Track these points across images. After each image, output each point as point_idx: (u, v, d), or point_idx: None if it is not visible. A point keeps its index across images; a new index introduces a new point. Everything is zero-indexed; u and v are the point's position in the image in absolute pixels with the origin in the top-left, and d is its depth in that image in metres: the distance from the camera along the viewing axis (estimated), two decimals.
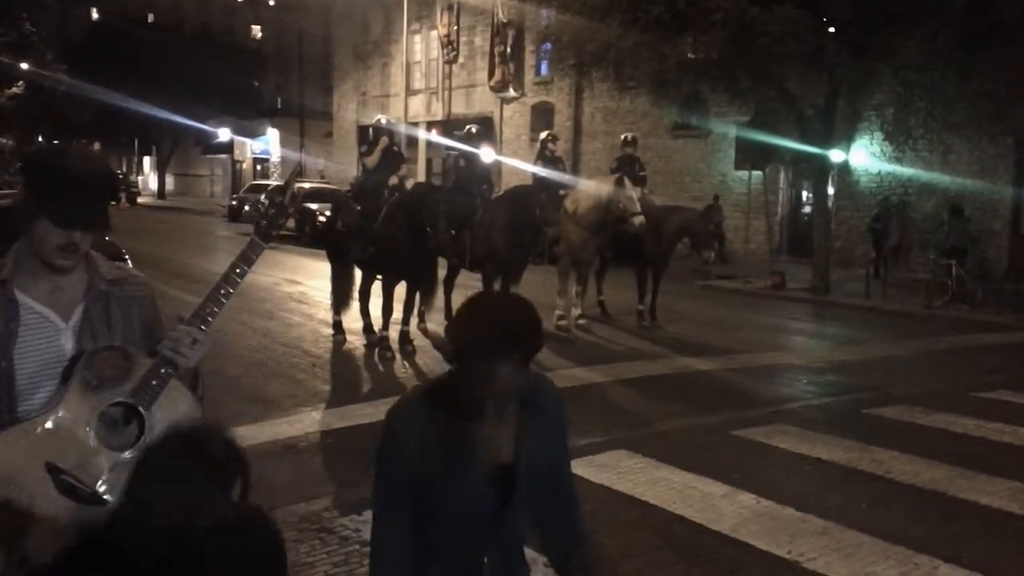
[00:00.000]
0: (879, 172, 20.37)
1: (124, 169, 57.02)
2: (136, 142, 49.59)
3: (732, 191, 22.78)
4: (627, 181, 11.36)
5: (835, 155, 17.42)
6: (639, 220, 10.99)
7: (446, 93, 34.28)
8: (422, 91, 36.01)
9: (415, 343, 10.07)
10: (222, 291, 2.22)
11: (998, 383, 9.22)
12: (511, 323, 2.01)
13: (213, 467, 1.53)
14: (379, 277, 10.19)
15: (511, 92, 30.88)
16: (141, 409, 2.07)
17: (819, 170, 17.35)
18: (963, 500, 5.71)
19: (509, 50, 30.62)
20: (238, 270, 2.26)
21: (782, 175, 22.28)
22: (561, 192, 11.92)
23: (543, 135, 13.11)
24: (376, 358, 9.70)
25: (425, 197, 9.63)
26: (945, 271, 15.51)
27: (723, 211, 21.31)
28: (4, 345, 2.03)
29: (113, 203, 2.25)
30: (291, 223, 2.53)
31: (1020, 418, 7.71)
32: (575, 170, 24.43)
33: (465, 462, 2.05)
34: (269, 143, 45.22)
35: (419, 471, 2.03)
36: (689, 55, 15.71)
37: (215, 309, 2.21)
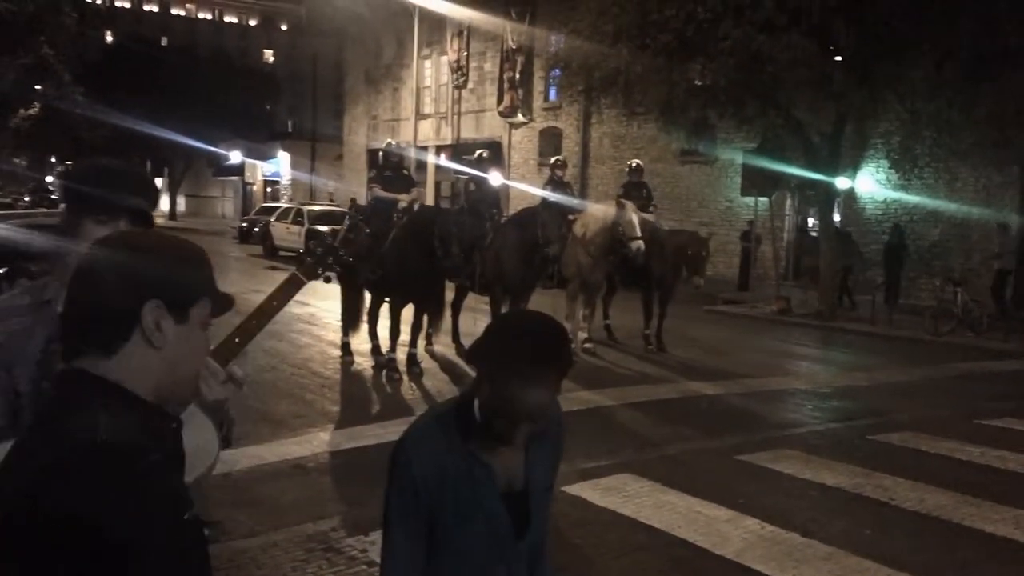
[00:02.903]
0: (885, 199, 20.44)
1: None
2: (149, 163, 49.99)
3: (738, 217, 22.86)
4: (628, 204, 11.43)
5: (841, 182, 17.51)
6: (636, 244, 11.03)
7: (455, 118, 34.53)
8: (432, 115, 36.27)
9: (423, 365, 10.12)
10: (254, 321, 2.18)
11: (1004, 410, 9.22)
12: (551, 343, 1.91)
13: None
14: (388, 299, 10.27)
15: (520, 117, 31.10)
16: None
17: (825, 196, 17.43)
18: (968, 527, 5.72)
19: (518, 76, 30.86)
20: (274, 302, 2.23)
21: (788, 201, 22.36)
22: (570, 216, 12.00)
23: (552, 160, 13.22)
24: (384, 380, 9.76)
25: (435, 219, 9.72)
26: (951, 298, 15.62)
27: (759, 238, 21.50)
28: (48, 365, 2.01)
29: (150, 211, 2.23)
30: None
31: None
32: (583, 195, 24.56)
33: (482, 491, 1.96)
34: (280, 165, 45.54)
35: (434, 502, 1.95)
36: (697, 82, 15.85)
37: (245, 340, 2.17)
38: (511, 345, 1.91)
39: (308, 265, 2.40)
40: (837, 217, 19.14)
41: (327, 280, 2.57)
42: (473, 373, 2.04)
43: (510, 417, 1.90)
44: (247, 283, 16.02)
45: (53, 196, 45.12)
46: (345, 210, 21.23)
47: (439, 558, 1.98)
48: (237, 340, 2.15)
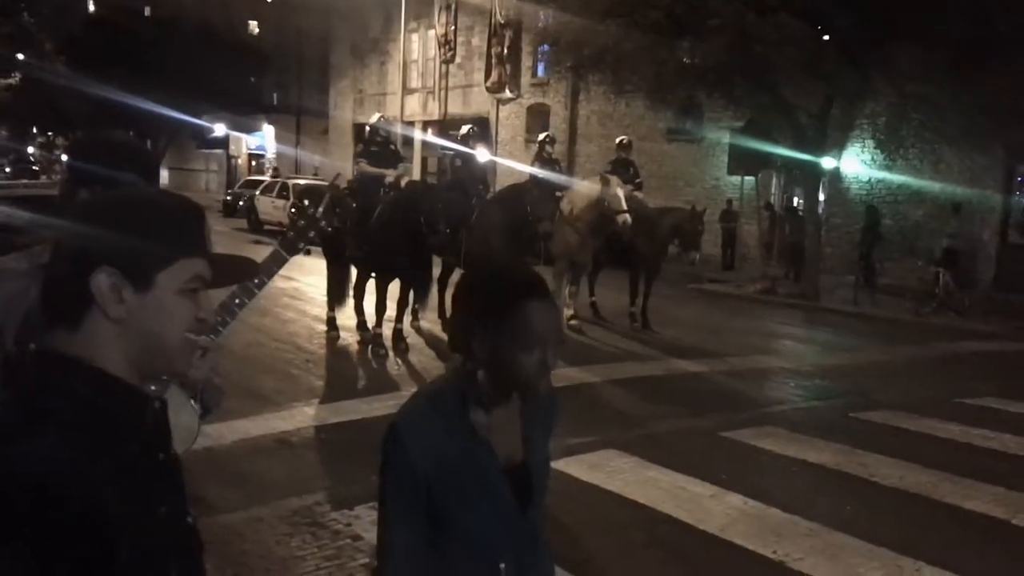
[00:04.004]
0: (869, 179, 20.49)
1: None
2: (132, 135, 49.51)
3: (724, 196, 22.87)
4: (613, 179, 11.40)
5: (827, 162, 17.55)
6: (623, 218, 11.00)
7: (443, 93, 34.31)
8: (419, 90, 36.03)
9: (408, 341, 10.12)
10: (236, 301, 2.16)
11: (984, 390, 9.31)
12: (543, 291, 1.87)
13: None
14: (374, 275, 10.24)
15: (507, 93, 30.93)
16: None
17: (811, 177, 17.46)
18: (948, 504, 5.79)
19: (506, 51, 30.67)
20: (256, 280, 2.20)
21: (774, 181, 22.38)
22: (558, 194, 11.97)
23: (541, 136, 13.15)
24: (369, 355, 9.75)
25: (422, 196, 9.69)
26: (933, 279, 15.73)
27: (739, 216, 21.63)
28: (29, 331, 2.02)
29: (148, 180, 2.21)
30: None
31: (1005, 425, 7.81)
32: (570, 172, 24.50)
33: (483, 468, 1.90)
34: (265, 139, 45.18)
35: (434, 488, 1.85)
36: (686, 60, 15.80)
37: (227, 319, 2.16)
38: (505, 304, 1.83)
39: (290, 240, 2.36)
40: (822, 197, 19.21)
41: (307, 253, 2.52)
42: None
43: (516, 380, 1.85)
44: None
45: (34, 168, 44.65)
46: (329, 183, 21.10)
47: (442, 546, 1.90)
48: (219, 319, 2.13)
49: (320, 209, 2.46)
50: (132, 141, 2.25)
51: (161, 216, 1.37)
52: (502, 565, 1.94)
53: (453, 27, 33.35)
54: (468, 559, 1.92)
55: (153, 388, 1.84)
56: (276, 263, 2.27)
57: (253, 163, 46.65)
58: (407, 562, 1.89)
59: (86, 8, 46.77)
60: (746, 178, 18.89)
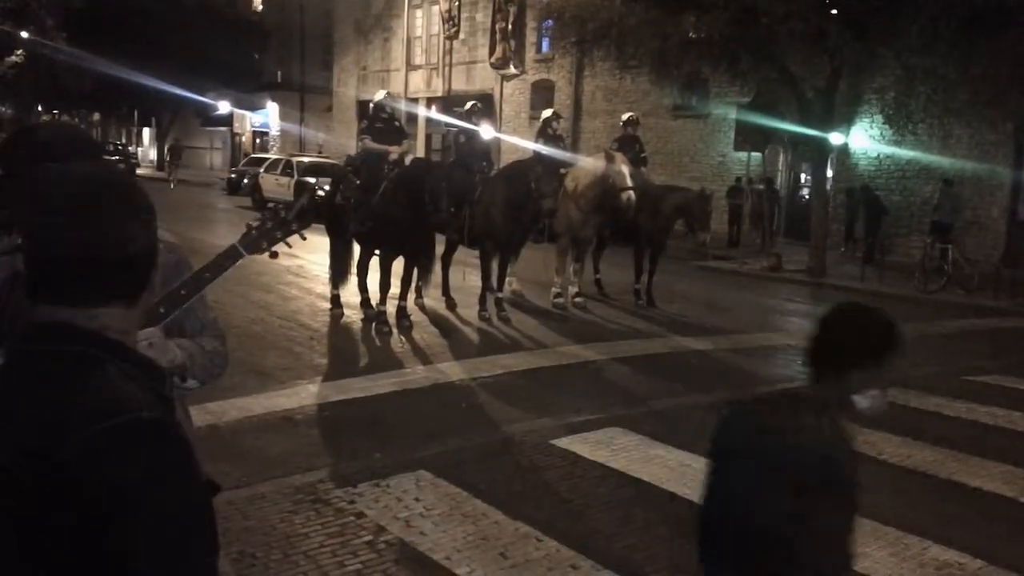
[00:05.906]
0: (878, 155, 20.35)
1: (123, 140, 56.84)
2: (136, 113, 49.33)
3: (731, 172, 22.75)
4: (618, 155, 11.31)
5: (834, 138, 17.40)
6: (627, 195, 10.92)
7: (446, 69, 34.12)
8: (423, 67, 35.84)
9: (412, 318, 10.09)
10: (183, 291, 2.08)
11: (992, 368, 9.27)
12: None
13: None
14: (377, 252, 10.20)
15: (512, 69, 30.75)
16: None
17: (818, 152, 17.33)
18: (954, 482, 5.76)
19: (510, 27, 30.46)
20: (207, 274, 2.12)
21: (781, 157, 22.24)
22: (562, 170, 11.89)
23: (546, 113, 13.04)
24: (373, 333, 9.72)
25: (426, 173, 9.62)
26: (940, 255, 15.63)
27: (747, 194, 21.62)
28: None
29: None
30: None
31: (1013, 402, 7.76)
32: (575, 149, 24.38)
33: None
34: (269, 116, 45.02)
35: None
36: (691, 34, 15.64)
37: (172, 309, 2.07)
38: (893, 351, 2.20)
39: (251, 238, 2.25)
40: (830, 173, 19.07)
41: (273, 256, 2.38)
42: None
43: (876, 408, 2.26)
44: (233, 236, 15.94)
45: None
46: (335, 162, 21.04)
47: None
48: (162, 310, 2.04)
49: (293, 212, 2.33)
50: (79, 130, 2.22)
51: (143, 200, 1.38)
52: None
53: (457, 3, 33.11)
54: None
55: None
56: (231, 259, 2.16)
57: (257, 140, 46.51)
58: None
59: None
60: (753, 154, 18.77)
